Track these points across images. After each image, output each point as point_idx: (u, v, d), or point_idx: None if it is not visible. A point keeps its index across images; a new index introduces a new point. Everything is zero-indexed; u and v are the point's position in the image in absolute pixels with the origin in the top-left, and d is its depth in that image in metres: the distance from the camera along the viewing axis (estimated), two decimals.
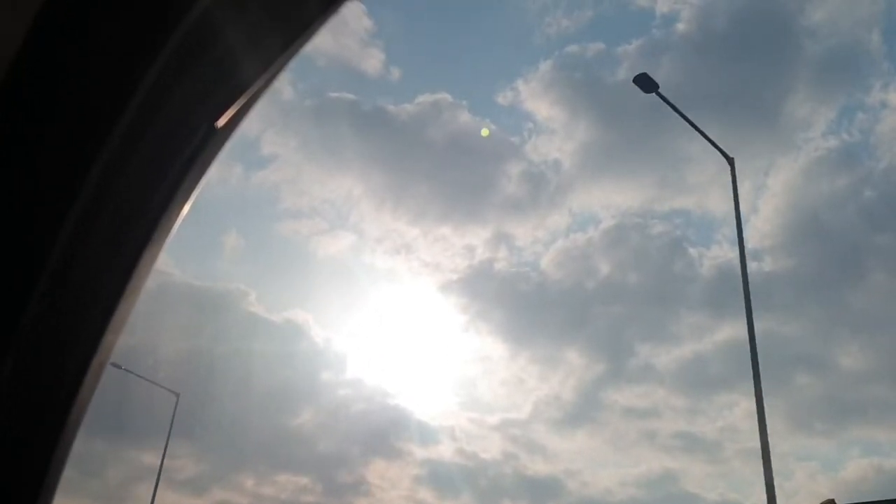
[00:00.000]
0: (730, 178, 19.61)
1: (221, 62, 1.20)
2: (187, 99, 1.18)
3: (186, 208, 1.20)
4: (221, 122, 1.23)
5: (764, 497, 15.65)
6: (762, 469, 15.90)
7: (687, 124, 19.67)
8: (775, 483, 16.03)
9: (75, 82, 1.08)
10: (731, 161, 19.73)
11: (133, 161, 1.13)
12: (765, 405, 17.04)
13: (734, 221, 19.04)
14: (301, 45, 1.29)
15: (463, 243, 57.73)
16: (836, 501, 16.31)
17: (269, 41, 1.24)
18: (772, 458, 16.03)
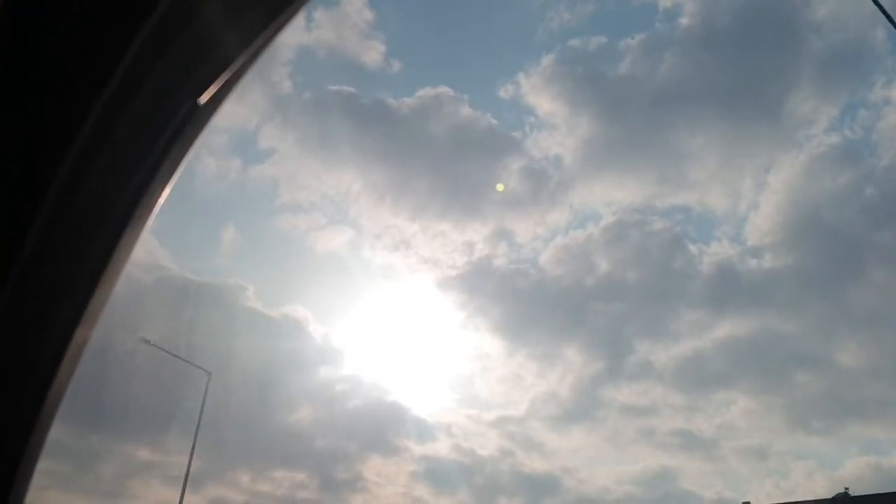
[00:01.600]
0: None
1: (203, 37, 1.19)
2: (169, 75, 1.17)
3: (169, 187, 1.20)
4: (204, 98, 1.22)
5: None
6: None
7: None
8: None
9: (55, 56, 1.07)
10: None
11: (114, 137, 1.12)
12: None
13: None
14: (286, 20, 1.28)
15: (462, 239, 57.69)
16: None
17: (252, 16, 1.23)
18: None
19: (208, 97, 1.23)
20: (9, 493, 1.08)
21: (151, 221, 1.17)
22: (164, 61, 1.16)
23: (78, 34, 1.08)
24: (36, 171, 1.05)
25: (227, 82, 1.25)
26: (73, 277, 1.11)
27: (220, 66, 1.23)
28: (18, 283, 1.02)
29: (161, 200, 1.18)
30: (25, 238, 1.05)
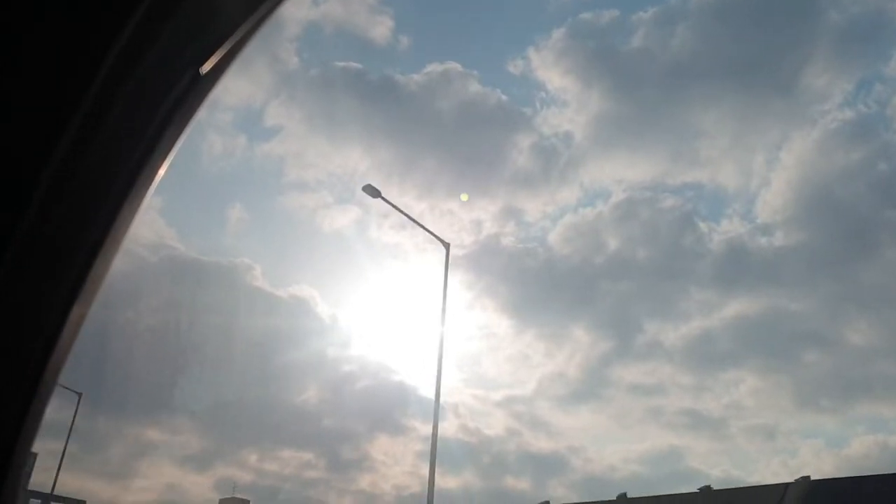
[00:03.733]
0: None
1: (205, 4, 1.16)
2: (171, 43, 1.13)
3: (169, 160, 1.16)
4: (206, 67, 1.18)
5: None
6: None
7: None
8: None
9: (53, 27, 1.03)
10: (446, 245, 21.18)
11: (114, 109, 1.09)
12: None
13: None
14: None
15: (470, 217, 57.39)
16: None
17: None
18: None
19: (211, 66, 1.19)
20: (5, 479, 1.06)
21: (150, 197, 1.14)
22: (166, 29, 1.12)
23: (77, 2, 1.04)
24: (34, 146, 1.01)
25: (229, 51, 1.21)
26: (72, 253, 1.09)
27: (223, 35, 1.19)
28: (15, 260, 1.00)
29: (161, 174, 1.15)
30: (23, 214, 1.02)
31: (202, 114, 1.21)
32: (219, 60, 1.20)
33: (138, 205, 1.13)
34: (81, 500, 44.59)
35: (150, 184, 1.13)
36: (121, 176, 1.10)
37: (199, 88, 1.17)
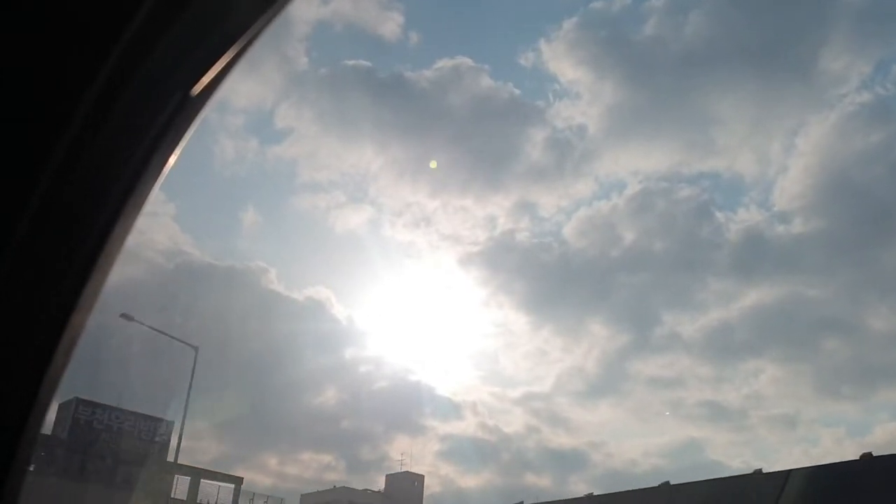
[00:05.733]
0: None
1: (196, 24, 1.17)
2: (161, 65, 1.15)
3: (161, 178, 1.18)
4: (197, 89, 1.20)
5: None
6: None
7: None
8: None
9: (42, 48, 1.05)
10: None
11: (104, 129, 1.11)
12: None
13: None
14: (283, 5, 1.26)
15: (484, 213, 57.26)
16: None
17: (245, 3, 1.21)
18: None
19: (202, 87, 1.21)
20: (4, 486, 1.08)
21: (143, 214, 1.16)
22: (155, 51, 1.14)
23: (66, 26, 1.06)
24: (20, 170, 1.04)
25: (221, 71, 1.23)
26: (65, 270, 1.11)
27: (214, 55, 1.21)
28: (10, 271, 1.02)
29: (153, 194, 1.17)
30: (18, 224, 1.04)
31: (193, 132, 1.23)
32: (210, 81, 1.21)
33: (132, 222, 1.15)
34: (239, 477, 45.20)
35: (140, 206, 1.15)
36: (110, 200, 1.12)
37: (188, 111, 1.18)
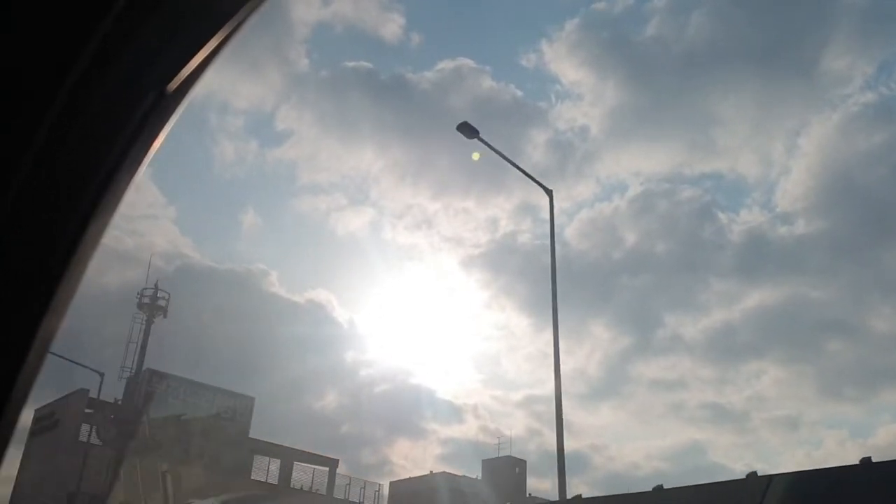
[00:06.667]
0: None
1: (171, 20, 1.14)
2: (135, 62, 1.12)
3: (137, 178, 1.15)
4: (172, 86, 1.16)
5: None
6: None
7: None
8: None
9: (10, 47, 1.02)
10: (549, 192, 19.39)
11: (76, 129, 1.07)
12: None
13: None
14: (259, 1, 1.22)
15: (486, 215, 57.15)
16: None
17: None
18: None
19: (177, 84, 1.17)
20: None
21: (117, 215, 1.13)
22: (130, 48, 1.11)
23: (36, 24, 1.03)
24: None
25: (197, 67, 1.19)
26: (36, 277, 1.07)
27: (190, 51, 1.18)
28: None
29: (127, 193, 1.14)
30: None
31: (170, 129, 1.20)
32: (187, 77, 1.18)
33: (104, 226, 1.11)
34: (334, 459, 42.49)
35: (115, 207, 1.12)
36: (83, 201, 1.08)
37: (164, 108, 1.15)
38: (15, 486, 37.25)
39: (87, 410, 38.57)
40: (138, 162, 1.14)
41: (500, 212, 63.25)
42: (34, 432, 40.43)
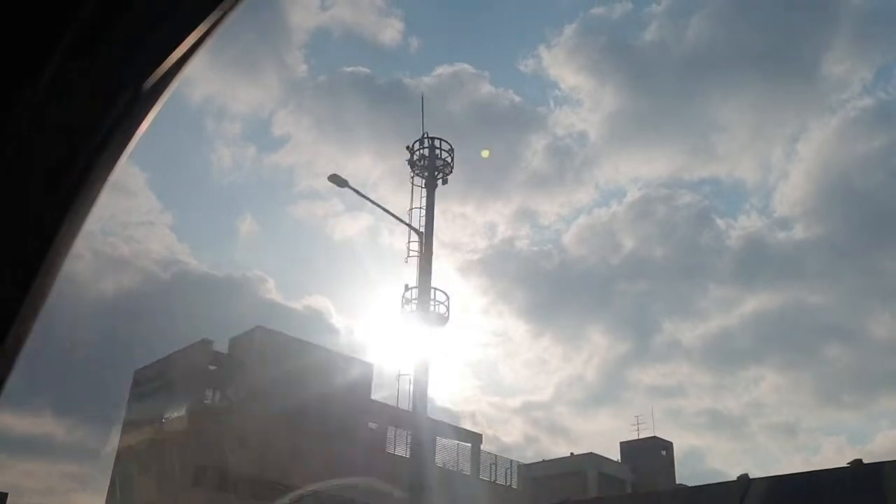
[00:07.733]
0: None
1: (146, 17, 1.13)
2: (110, 59, 1.10)
3: (111, 178, 1.13)
4: (149, 83, 1.15)
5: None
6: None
7: None
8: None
9: None
10: (420, 234, 21.00)
11: (51, 125, 1.06)
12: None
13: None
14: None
15: (484, 221, 56.88)
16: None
17: None
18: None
19: (154, 81, 1.16)
20: None
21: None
22: (105, 46, 1.09)
23: (9, 19, 1.02)
24: None
25: (174, 65, 1.18)
26: (10, 270, 1.05)
27: (166, 49, 1.16)
28: None
29: (101, 193, 1.12)
30: None
31: (146, 128, 1.18)
32: (163, 75, 1.17)
33: (78, 227, 1.10)
34: (477, 434, 38.09)
35: (89, 208, 1.10)
36: (57, 202, 1.07)
37: (140, 105, 1.13)
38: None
39: (210, 367, 31.95)
40: (115, 158, 1.12)
41: (499, 217, 63.00)
42: (134, 397, 32.95)
